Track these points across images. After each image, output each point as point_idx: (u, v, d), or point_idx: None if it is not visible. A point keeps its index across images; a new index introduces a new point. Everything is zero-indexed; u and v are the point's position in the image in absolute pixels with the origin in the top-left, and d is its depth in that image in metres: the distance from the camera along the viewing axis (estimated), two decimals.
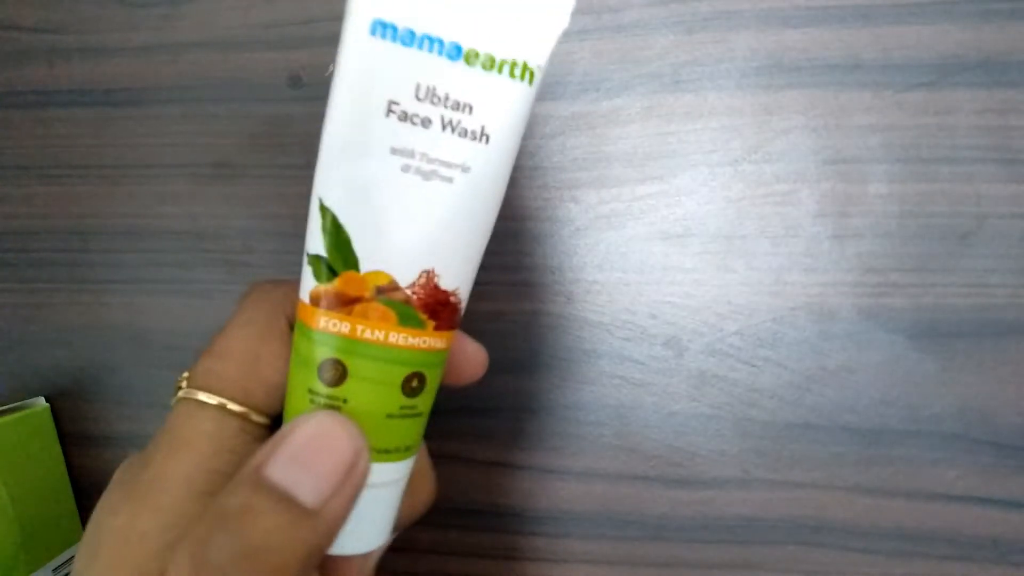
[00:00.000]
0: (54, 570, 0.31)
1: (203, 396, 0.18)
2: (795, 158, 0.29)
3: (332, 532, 0.16)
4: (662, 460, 0.30)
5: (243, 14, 0.31)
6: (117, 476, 0.18)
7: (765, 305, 0.29)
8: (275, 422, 0.19)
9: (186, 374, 0.19)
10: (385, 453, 0.18)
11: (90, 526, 0.17)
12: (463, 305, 0.19)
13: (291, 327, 0.19)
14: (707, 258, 0.30)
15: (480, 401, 0.31)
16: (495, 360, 0.31)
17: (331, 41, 0.31)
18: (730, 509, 0.30)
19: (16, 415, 0.31)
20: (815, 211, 0.29)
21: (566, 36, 0.30)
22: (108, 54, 0.32)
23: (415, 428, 0.19)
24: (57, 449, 0.33)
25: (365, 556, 0.20)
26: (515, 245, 0.30)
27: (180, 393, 0.18)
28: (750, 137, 0.29)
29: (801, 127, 0.29)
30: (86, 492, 0.34)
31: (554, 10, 0.17)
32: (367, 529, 0.18)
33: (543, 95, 0.30)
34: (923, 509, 0.29)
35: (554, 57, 0.18)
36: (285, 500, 0.15)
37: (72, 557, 0.32)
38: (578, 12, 0.30)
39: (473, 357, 0.21)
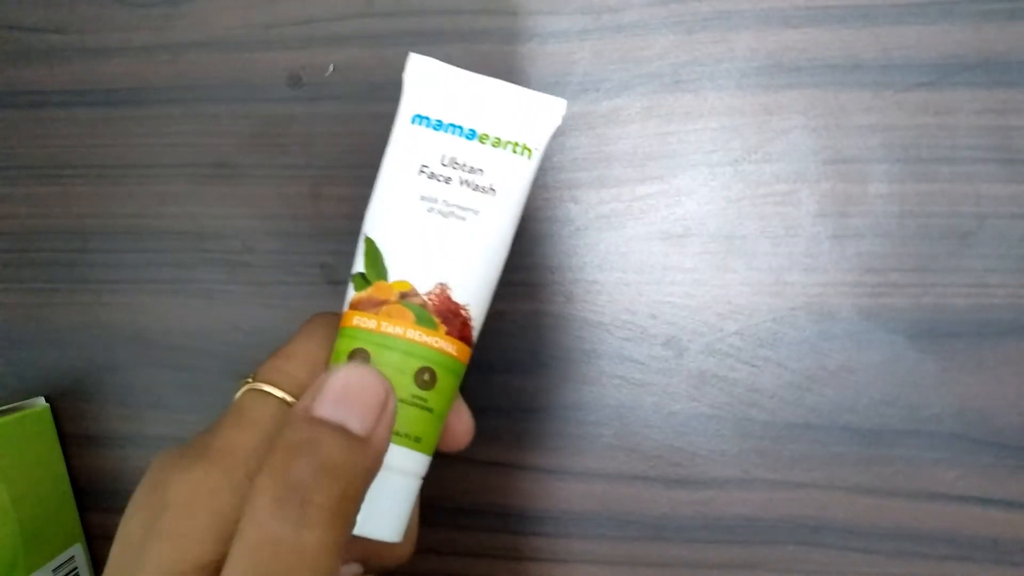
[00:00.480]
0: (54, 570, 0.31)
1: (268, 388, 0.21)
2: (795, 158, 0.29)
3: (380, 457, 0.19)
4: (662, 460, 0.30)
5: (243, 14, 0.31)
6: (161, 461, 0.20)
7: (765, 305, 0.29)
8: None
9: (251, 376, 0.22)
10: (396, 435, 0.21)
11: (149, 488, 0.19)
12: (474, 325, 0.22)
13: None
14: (707, 258, 0.30)
15: (480, 401, 0.31)
16: (495, 360, 0.31)
17: (331, 41, 0.31)
18: (730, 509, 0.30)
19: (16, 415, 0.31)
20: (815, 211, 0.29)
21: (566, 36, 0.30)
22: (108, 54, 0.32)
23: (425, 421, 0.22)
24: (57, 449, 0.33)
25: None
26: (515, 245, 0.30)
27: (247, 386, 0.21)
28: (750, 137, 0.29)
29: (801, 127, 0.29)
30: (86, 492, 0.34)
31: (549, 113, 0.23)
32: (381, 514, 0.21)
33: None
34: (923, 509, 0.29)
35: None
36: (341, 430, 0.18)
37: (72, 557, 0.32)
38: (578, 12, 0.30)
39: (464, 423, 0.24)
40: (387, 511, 0.21)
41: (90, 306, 0.33)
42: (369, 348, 0.21)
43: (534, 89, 0.23)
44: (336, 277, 0.32)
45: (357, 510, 0.18)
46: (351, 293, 0.22)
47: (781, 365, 0.30)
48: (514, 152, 0.23)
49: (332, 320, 0.23)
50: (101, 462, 0.34)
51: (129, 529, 0.19)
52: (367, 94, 0.31)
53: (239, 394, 0.22)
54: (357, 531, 0.20)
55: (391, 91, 0.31)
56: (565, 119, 0.30)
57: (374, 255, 0.22)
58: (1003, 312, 0.28)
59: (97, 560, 0.34)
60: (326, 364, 0.22)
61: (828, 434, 0.29)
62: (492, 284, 0.23)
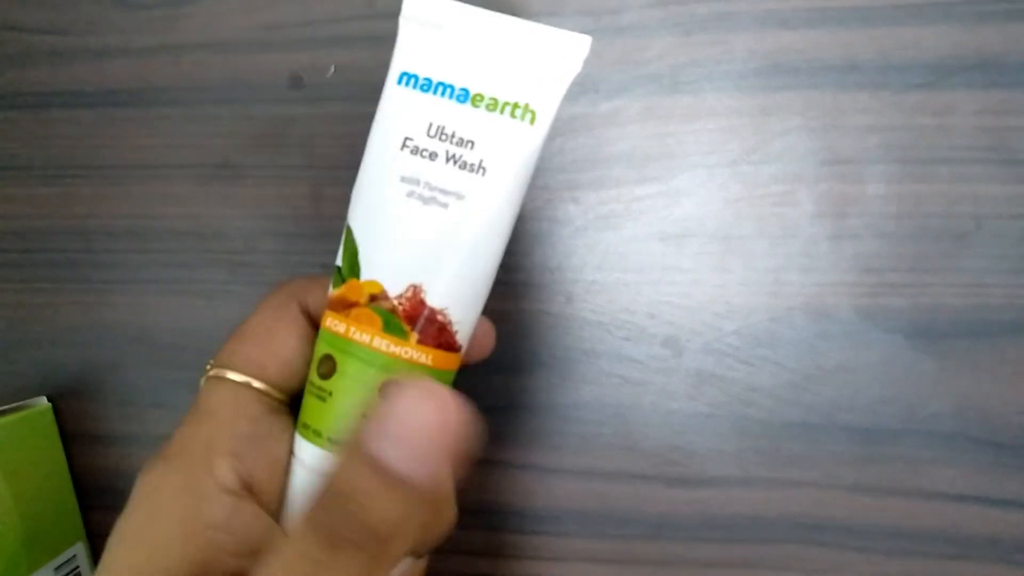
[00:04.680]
0: (56, 568, 0.31)
1: (225, 373, 0.20)
2: (793, 159, 0.29)
3: (442, 500, 0.18)
4: (661, 459, 0.30)
5: (244, 16, 0.32)
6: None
7: (763, 305, 0.30)
8: (290, 396, 0.21)
9: (211, 361, 0.21)
10: (330, 443, 0.19)
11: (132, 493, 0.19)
12: (458, 328, 0.19)
13: (303, 311, 0.21)
14: (705, 258, 0.30)
15: (480, 400, 0.31)
16: (495, 360, 0.31)
17: (332, 42, 0.31)
18: (729, 508, 0.30)
19: (18, 415, 0.31)
20: (813, 212, 0.29)
21: None
22: (110, 55, 0.33)
23: None
24: (59, 449, 0.33)
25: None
26: (515, 245, 0.31)
27: (208, 373, 0.20)
28: (748, 138, 0.29)
29: (799, 128, 0.29)
30: (88, 492, 0.34)
31: (564, 57, 0.18)
32: None
33: None
34: (921, 508, 0.29)
35: (567, 98, 0.19)
36: (402, 486, 0.16)
37: (73, 556, 0.32)
38: (577, 14, 0.30)
39: (481, 335, 0.22)
40: None
41: (92, 306, 0.33)
42: (336, 355, 0.19)
43: None
44: None
45: (403, 556, 0.17)
46: (330, 289, 0.20)
47: (779, 364, 0.30)
48: (512, 116, 0.18)
49: (289, 286, 0.22)
50: (103, 461, 0.34)
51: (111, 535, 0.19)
52: (368, 95, 0.31)
53: (201, 382, 0.21)
54: None
55: None
56: (564, 120, 0.30)
57: (350, 248, 0.19)
58: (1001, 312, 0.28)
59: (99, 559, 0.34)
60: (283, 337, 0.20)
61: (826, 433, 0.30)
62: (483, 280, 0.20)
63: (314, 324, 0.21)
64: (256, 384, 0.20)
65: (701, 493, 0.30)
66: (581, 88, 0.30)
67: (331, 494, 0.16)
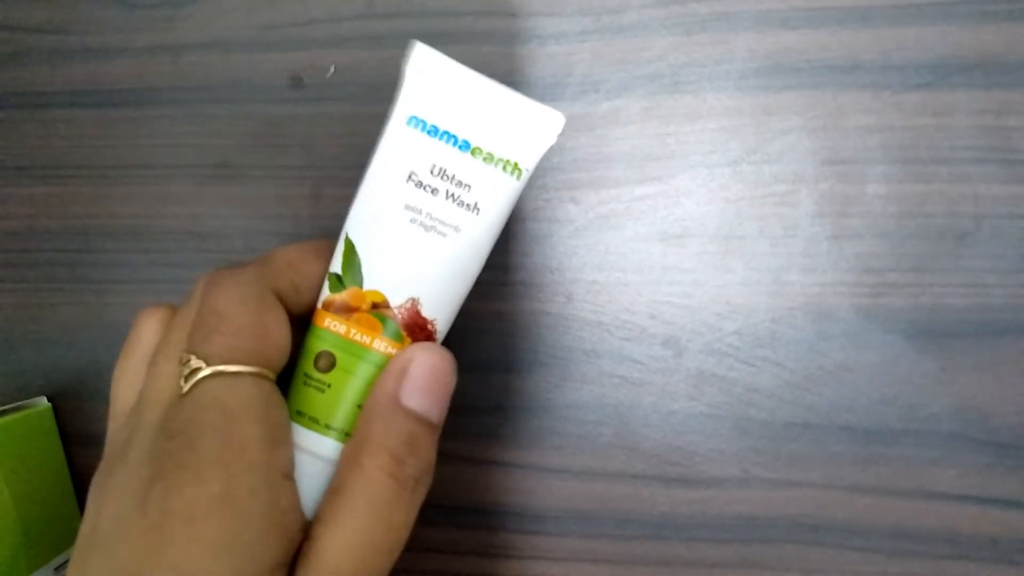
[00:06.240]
0: (56, 569, 0.31)
1: (236, 368, 0.20)
2: (794, 159, 0.29)
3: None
4: (661, 459, 0.30)
5: (244, 15, 0.32)
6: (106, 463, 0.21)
7: (764, 305, 0.30)
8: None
9: (191, 358, 0.20)
10: (328, 429, 0.22)
11: (153, 502, 0.18)
12: (439, 336, 0.23)
13: (279, 297, 0.23)
14: (706, 258, 0.30)
15: (480, 400, 0.31)
16: (495, 360, 0.31)
17: (332, 43, 0.31)
18: (729, 508, 0.30)
19: (18, 415, 0.31)
20: (813, 211, 0.29)
21: (566, 37, 0.30)
22: (110, 55, 0.33)
23: None
24: (59, 449, 0.33)
25: None
26: (515, 245, 0.31)
27: (207, 371, 0.20)
28: (749, 138, 0.29)
29: (800, 128, 0.29)
30: (88, 492, 0.34)
31: (546, 128, 0.23)
32: (309, 496, 0.22)
33: (544, 97, 0.30)
34: (921, 508, 0.29)
35: (543, 160, 0.24)
36: (430, 425, 0.21)
37: None
38: (578, 13, 0.30)
39: None
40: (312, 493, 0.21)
41: (92, 306, 0.33)
42: (335, 352, 0.22)
43: (534, 92, 0.23)
44: None
45: None
46: (325, 293, 0.23)
47: (779, 365, 0.30)
48: (504, 170, 0.22)
49: (263, 282, 0.22)
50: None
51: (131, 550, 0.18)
52: (368, 95, 0.31)
53: (196, 381, 0.20)
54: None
55: (392, 92, 0.31)
56: (564, 119, 0.30)
57: (352, 259, 0.23)
58: (1001, 312, 0.29)
59: None
60: (275, 327, 0.21)
61: (826, 433, 0.30)
62: (462, 298, 0.24)
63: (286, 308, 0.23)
64: (270, 374, 0.21)
65: (701, 493, 0.30)
66: (581, 88, 0.30)
67: (395, 445, 0.20)
